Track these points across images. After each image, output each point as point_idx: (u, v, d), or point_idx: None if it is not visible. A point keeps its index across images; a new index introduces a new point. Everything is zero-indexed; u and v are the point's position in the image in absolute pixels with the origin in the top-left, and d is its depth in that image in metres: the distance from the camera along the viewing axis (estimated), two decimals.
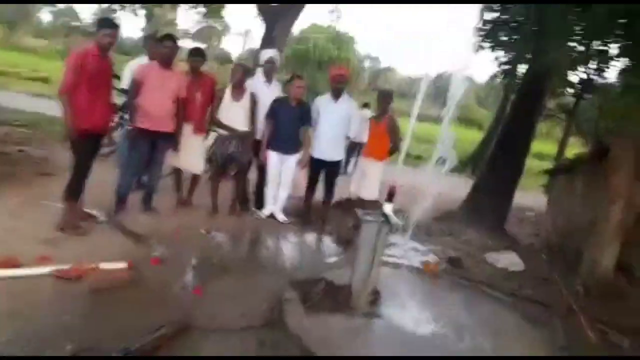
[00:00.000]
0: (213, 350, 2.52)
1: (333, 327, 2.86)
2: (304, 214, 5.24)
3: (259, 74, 5.16)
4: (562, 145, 15.32)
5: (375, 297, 3.12)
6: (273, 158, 4.93)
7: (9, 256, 3.01)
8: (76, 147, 3.75)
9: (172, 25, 31.73)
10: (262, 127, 4.89)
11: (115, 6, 10.74)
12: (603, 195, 4.53)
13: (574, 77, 11.21)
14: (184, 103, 4.45)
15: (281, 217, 5.09)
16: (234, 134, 4.73)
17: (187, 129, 4.60)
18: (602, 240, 4.41)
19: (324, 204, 5.26)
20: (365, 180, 5.26)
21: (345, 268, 3.48)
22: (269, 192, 5.06)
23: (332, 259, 4.35)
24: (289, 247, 4.69)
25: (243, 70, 4.81)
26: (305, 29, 27.42)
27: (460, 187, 7.34)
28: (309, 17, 47.33)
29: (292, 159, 4.97)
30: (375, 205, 4.02)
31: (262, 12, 9.97)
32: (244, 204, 5.21)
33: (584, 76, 11.48)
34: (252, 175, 5.25)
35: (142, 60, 4.99)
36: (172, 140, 4.46)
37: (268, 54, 5.14)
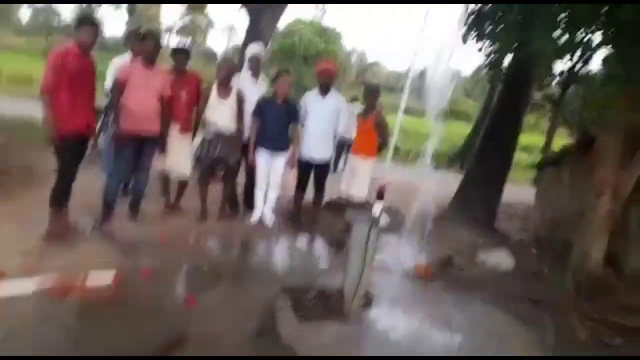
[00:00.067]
0: None
1: (326, 335, 2.83)
2: (294, 216, 5.19)
3: (245, 70, 5.09)
4: (550, 136, 15.45)
5: (367, 301, 3.10)
6: (262, 157, 4.87)
7: None
8: (60, 151, 3.66)
9: (155, 21, 31.29)
10: (249, 124, 4.82)
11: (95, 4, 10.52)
12: (590, 186, 4.56)
13: (559, 66, 11.29)
14: (170, 102, 4.36)
15: (270, 218, 5.04)
16: (221, 135, 4.66)
17: (173, 129, 4.52)
18: (591, 232, 4.44)
19: (314, 205, 5.21)
20: (355, 178, 5.23)
21: (337, 271, 3.45)
22: (258, 193, 5.00)
23: (324, 263, 4.31)
24: (280, 252, 4.65)
25: (229, 67, 4.70)
26: (291, 23, 27.23)
27: (450, 183, 7.34)
28: (294, 12, 47.01)
29: (281, 158, 4.91)
30: (365, 205, 4.01)
31: (247, 5, 9.83)
32: (233, 207, 5.15)
33: (569, 66, 11.57)
34: (241, 177, 5.19)
35: (126, 57, 4.88)
36: (158, 143, 4.37)
37: (253, 49, 5.06)
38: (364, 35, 65.65)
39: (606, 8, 4.31)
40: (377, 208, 3.08)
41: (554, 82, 12.93)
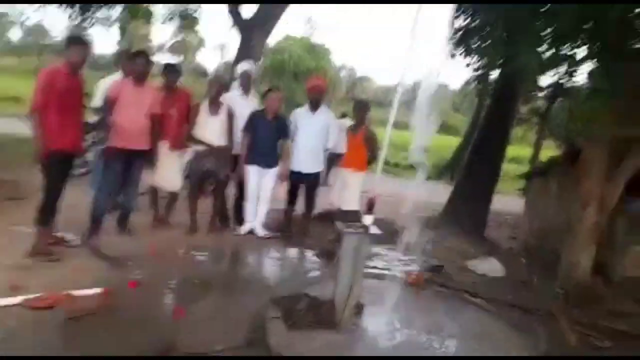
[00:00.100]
0: None
1: (316, 344, 2.81)
2: (285, 228, 5.19)
3: (236, 86, 5.13)
4: (537, 148, 15.71)
5: (358, 310, 3.10)
6: (251, 172, 4.88)
7: None
8: (47, 169, 3.65)
9: (146, 40, 31.44)
10: (239, 140, 4.85)
11: (87, 23, 10.55)
12: (576, 196, 4.63)
13: (544, 81, 11.53)
14: (160, 119, 4.38)
15: (261, 232, 5.03)
16: (211, 150, 4.67)
17: (163, 145, 4.53)
18: (578, 243, 4.49)
19: (304, 217, 5.22)
20: (346, 191, 5.24)
21: (328, 282, 3.45)
22: (249, 207, 4.99)
23: (315, 274, 4.30)
24: (270, 264, 4.63)
25: (219, 84, 4.76)
26: (281, 39, 27.53)
27: (440, 194, 7.40)
28: (284, 29, 47.62)
29: (271, 173, 4.93)
30: (355, 216, 4.02)
31: (238, 24, 9.95)
32: (223, 220, 5.14)
33: (554, 80, 11.82)
34: (231, 191, 5.19)
35: (116, 77, 4.90)
36: (147, 158, 4.37)
37: (244, 66, 5.12)
38: (353, 51, 66.48)
39: (591, 23, 4.42)
40: (368, 220, 3.10)
41: (540, 96, 13.18)
